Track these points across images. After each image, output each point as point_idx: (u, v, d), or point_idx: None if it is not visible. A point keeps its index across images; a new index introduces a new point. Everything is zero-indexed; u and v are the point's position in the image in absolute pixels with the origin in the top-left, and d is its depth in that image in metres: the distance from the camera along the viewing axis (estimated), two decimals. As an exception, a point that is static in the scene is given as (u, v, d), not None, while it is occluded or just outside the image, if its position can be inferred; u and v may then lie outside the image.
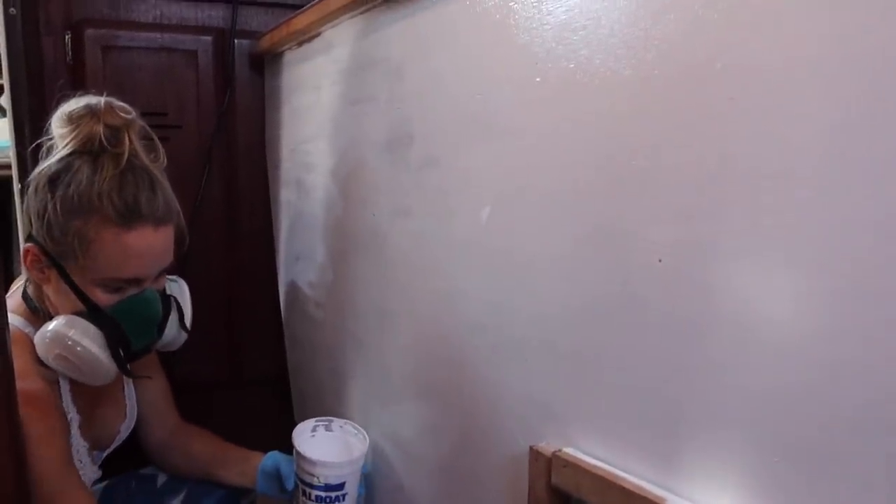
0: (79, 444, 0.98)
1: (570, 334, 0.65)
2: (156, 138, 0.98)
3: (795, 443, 0.47)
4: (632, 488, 0.57)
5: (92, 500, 0.92)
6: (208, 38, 1.40)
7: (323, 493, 1.00)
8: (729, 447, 0.52)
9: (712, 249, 0.51)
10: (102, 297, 0.91)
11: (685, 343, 0.54)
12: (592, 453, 0.63)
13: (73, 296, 0.90)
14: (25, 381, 0.87)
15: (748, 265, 0.49)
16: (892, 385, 0.41)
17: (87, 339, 0.89)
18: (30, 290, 0.98)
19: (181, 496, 1.19)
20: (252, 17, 1.44)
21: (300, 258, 1.35)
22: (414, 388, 0.95)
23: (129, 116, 0.93)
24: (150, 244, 0.91)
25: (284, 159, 1.39)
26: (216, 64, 1.41)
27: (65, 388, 0.97)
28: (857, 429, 0.43)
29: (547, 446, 0.67)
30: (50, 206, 0.87)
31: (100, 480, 1.11)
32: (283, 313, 1.50)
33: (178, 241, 0.98)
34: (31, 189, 0.91)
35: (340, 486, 1.00)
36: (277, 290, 1.50)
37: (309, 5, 1.10)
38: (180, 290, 1.08)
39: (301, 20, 1.14)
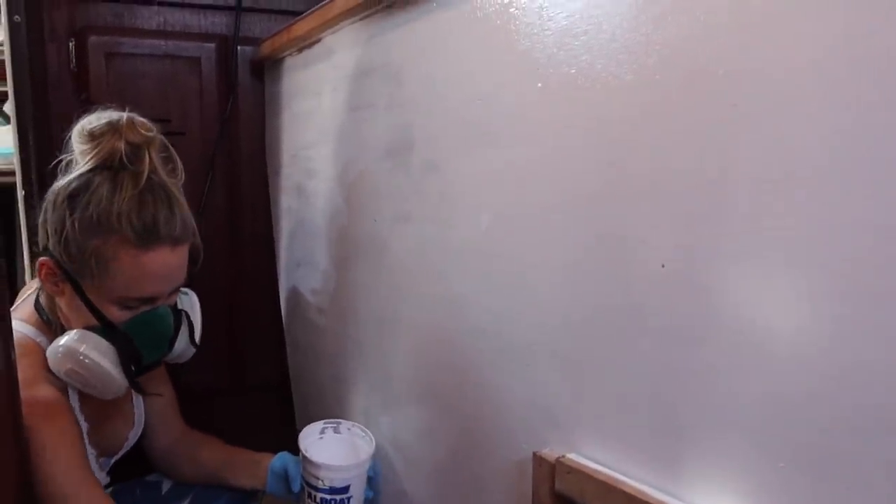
0: (87, 451, 0.98)
1: (573, 339, 0.65)
2: (174, 153, 0.98)
3: (798, 447, 0.47)
4: (635, 493, 0.57)
5: (111, 501, 0.92)
6: (211, 45, 1.41)
7: (328, 496, 1.00)
8: (732, 452, 0.51)
9: (715, 255, 0.51)
10: (116, 314, 0.91)
11: (688, 348, 0.54)
12: (596, 459, 0.63)
13: (86, 310, 0.91)
14: (37, 389, 0.88)
15: (751, 270, 0.49)
16: (896, 390, 0.41)
17: (99, 354, 0.89)
18: (42, 301, 0.98)
19: (186, 502, 1.19)
20: (255, 24, 1.45)
21: (301, 264, 1.35)
22: (416, 394, 0.95)
23: (150, 134, 0.93)
24: (167, 264, 0.91)
25: (285, 165, 1.39)
26: (219, 71, 1.42)
27: (73, 397, 0.97)
28: (860, 433, 0.43)
29: (550, 452, 0.66)
30: (68, 224, 0.88)
31: (105, 487, 1.11)
32: (284, 319, 1.50)
33: (193, 257, 0.98)
34: (48, 203, 0.91)
35: (345, 490, 1.00)
36: (279, 296, 1.50)
37: (309, 11, 1.10)
38: (191, 304, 1.08)
39: (301, 26, 1.15)
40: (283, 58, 1.33)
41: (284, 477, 1.09)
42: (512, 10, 0.69)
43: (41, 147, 1.23)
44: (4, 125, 2.13)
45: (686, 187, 0.53)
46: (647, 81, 0.56)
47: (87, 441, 0.99)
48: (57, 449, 0.86)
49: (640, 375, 0.58)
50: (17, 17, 1.19)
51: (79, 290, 0.90)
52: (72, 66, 1.32)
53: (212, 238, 1.43)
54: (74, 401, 0.98)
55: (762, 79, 0.48)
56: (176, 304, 1.02)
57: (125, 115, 0.93)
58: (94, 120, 0.92)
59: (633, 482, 0.59)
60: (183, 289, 1.05)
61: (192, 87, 1.40)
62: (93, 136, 0.91)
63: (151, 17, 1.38)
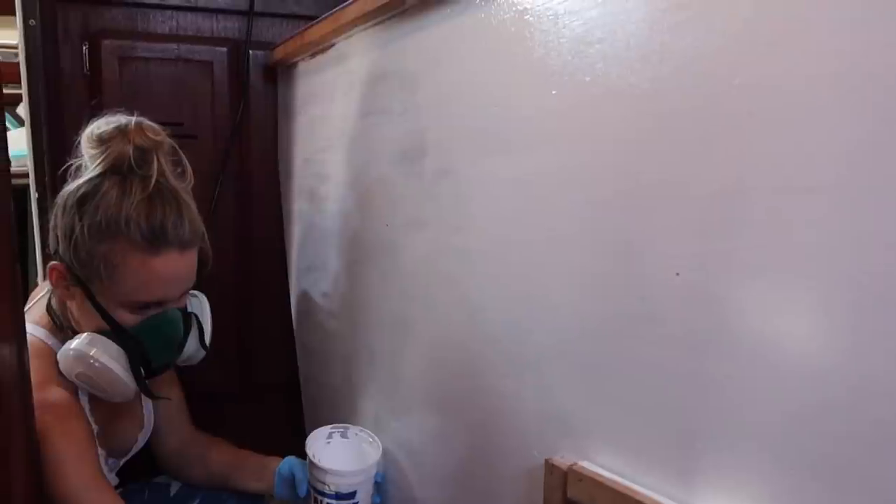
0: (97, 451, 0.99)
1: (587, 347, 0.65)
2: (184, 157, 0.98)
3: (813, 458, 0.46)
4: (648, 502, 0.56)
5: (122, 502, 0.92)
6: (224, 50, 1.41)
7: (334, 501, 1.00)
8: (746, 462, 0.51)
9: (730, 264, 0.51)
10: (126, 318, 0.92)
11: (703, 357, 0.54)
12: (608, 467, 0.63)
13: (96, 314, 0.91)
14: (49, 391, 0.88)
15: (766, 280, 0.49)
16: (915, 402, 0.41)
17: (109, 358, 0.90)
18: (54, 304, 0.98)
19: (194, 504, 1.19)
20: (267, 29, 1.45)
21: (312, 268, 1.35)
22: (428, 400, 0.95)
23: (158, 138, 0.93)
24: (176, 268, 0.92)
25: (297, 169, 1.39)
26: (231, 74, 1.42)
27: (84, 399, 0.98)
28: (875, 445, 0.43)
29: (563, 460, 0.66)
30: (77, 228, 0.88)
31: (114, 488, 1.12)
32: (294, 322, 1.50)
33: (202, 261, 0.99)
34: (58, 208, 0.92)
35: (352, 495, 1.00)
36: (289, 300, 1.50)
37: (323, 17, 1.11)
38: (201, 307, 1.09)
39: (315, 32, 1.15)
40: (296, 62, 1.34)
41: (291, 481, 1.09)
42: (527, 17, 0.69)
43: (55, 150, 1.24)
44: (18, 127, 2.15)
45: (701, 196, 0.53)
46: (662, 90, 0.56)
47: (97, 442, 0.99)
48: (69, 451, 0.87)
49: (653, 384, 0.58)
50: (32, 20, 1.20)
51: (89, 295, 0.91)
52: (85, 69, 1.33)
53: (223, 241, 1.44)
54: (85, 403, 0.98)
55: (779, 88, 0.48)
56: (186, 307, 1.02)
57: (134, 119, 0.93)
58: (103, 124, 0.93)
59: (645, 491, 0.58)
60: (192, 291, 1.06)
61: (204, 90, 1.41)
62: (101, 141, 0.91)
63: (164, 21, 1.39)
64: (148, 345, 0.94)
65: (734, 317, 0.51)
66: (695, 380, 0.54)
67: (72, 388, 0.94)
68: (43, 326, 0.97)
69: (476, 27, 0.78)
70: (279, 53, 1.35)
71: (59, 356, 0.91)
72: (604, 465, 0.64)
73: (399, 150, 0.97)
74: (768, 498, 0.50)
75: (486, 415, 0.81)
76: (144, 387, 0.95)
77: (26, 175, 1.27)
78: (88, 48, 1.33)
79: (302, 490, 1.07)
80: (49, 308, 0.99)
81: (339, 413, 1.26)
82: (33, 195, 1.26)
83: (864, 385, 0.43)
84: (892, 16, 0.41)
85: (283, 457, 1.14)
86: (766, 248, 0.49)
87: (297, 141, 1.39)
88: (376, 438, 1.06)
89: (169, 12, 1.38)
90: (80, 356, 0.89)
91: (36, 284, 1.21)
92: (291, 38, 1.27)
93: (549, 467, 0.67)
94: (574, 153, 0.65)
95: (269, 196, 1.50)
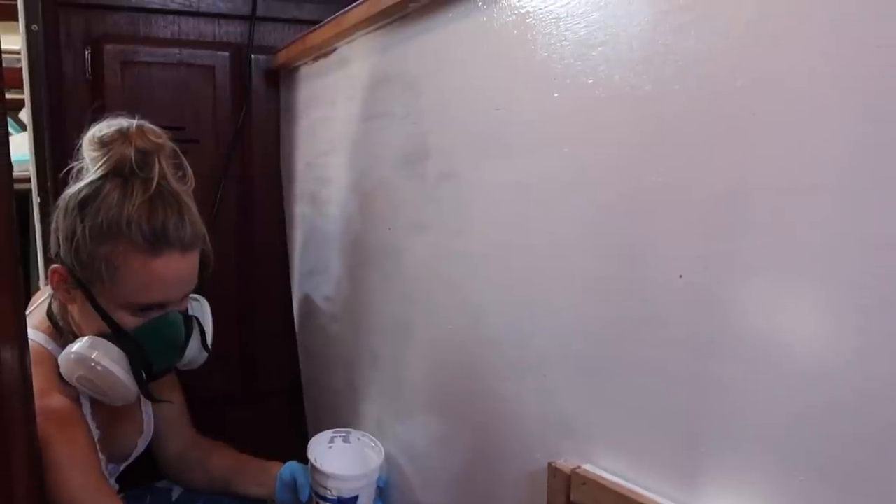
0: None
1: (589, 350, 0.65)
2: (184, 160, 0.98)
3: (819, 461, 0.46)
4: (652, 506, 0.56)
5: None
6: (226, 54, 1.41)
7: None
8: (751, 465, 0.51)
9: (733, 266, 0.51)
10: (127, 321, 0.92)
11: (706, 360, 0.54)
12: (612, 470, 0.63)
13: (97, 318, 0.91)
14: (50, 398, 0.88)
15: (770, 281, 0.49)
16: (921, 404, 0.41)
17: (110, 361, 0.90)
18: (54, 308, 0.98)
19: (195, 509, 1.19)
20: (269, 33, 1.46)
21: (314, 272, 1.35)
22: (430, 403, 0.95)
23: (159, 140, 0.93)
24: (177, 270, 0.92)
25: (299, 173, 1.40)
26: (233, 79, 1.43)
27: (85, 404, 0.98)
28: (883, 447, 0.43)
29: (566, 463, 0.66)
30: (79, 231, 0.88)
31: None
32: (296, 326, 1.50)
33: (204, 264, 0.99)
34: (59, 211, 0.92)
35: (353, 500, 1.00)
36: (291, 304, 1.50)
37: (325, 21, 1.11)
38: (202, 310, 1.09)
39: (317, 36, 1.15)
40: (298, 67, 1.34)
41: (293, 486, 1.09)
42: (529, 20, 0.69)
43: (57, 154, 1.24)
44: (20, 132, 2.16)
45: (705, 198, 0.53)
46: (665, 92, 0.56)
47: (98, 448, 0.99)
48: (72, 458, 0.87)
49: (656, 386, 0.58)
50: (34, 25, 1.21)
51: (90, 297, 0.91)
52: (87, 74, 1.33)
53: (225, 245, 1.44)
54: (87, 408, 0.98)
55: (782, 89, 0.47)
56: (187, 311, 1.02)
57: (135, 122, 0.94)
58: (104, 127, 0.93)
59: (649, 494, 0.58)
60: (194, 295, 1.06)
61: (206, 95, 1.41)
62: (103, 143, 0.91)
63: (167, 25, 1.39)
64: (149, 348, 0.93)
65: (738, 319, 0.51)
66: (698, 382, 0.54)
67: (73, 393, 0.94)
68: (43, 331, 0.97)
69: (478, 31, 0.78)
70: (281, 58, 1.36)
71: (60, 359, 0.91)
72: (607, 469, 0.63)
73: (401, 154, 0.97)
74: (773, 501, 0.49)
75: (488, 418, 0.81)
76: (146, 390, 0.95)
77: (28, 180, 1.27)
78: (91, 53, 1.33)
79: (304, 495, 1.06)
80: (49, 313, 0.99)
81: (342, 417, 1.26)
82: (35, 200, 1.26)
83: (870, 386, 0.43)
84: (893, 16, 0.41)
85: (285, 461, 1.14)
86: (769, 249, 0.48)
87: (299, 145, 1.39)
88: (378, 443, 1.06)
89: (171, 17, 1.39)
90: (82, 359, 0.89)
91: (38, 289, 1.21)
92: (294, 42, 1.27)
93: (553, 471, 0.67)
94: (576, 156, 0.65)
95: (271, 200, 1.50)
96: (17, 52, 1.24)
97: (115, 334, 0.92)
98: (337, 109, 1.18)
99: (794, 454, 0.48)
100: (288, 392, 1.54)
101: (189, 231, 0.92)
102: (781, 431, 0.48)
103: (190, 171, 0.99)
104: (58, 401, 0.90)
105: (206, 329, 1.07)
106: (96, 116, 0.95)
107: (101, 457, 1.00)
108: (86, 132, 0.94)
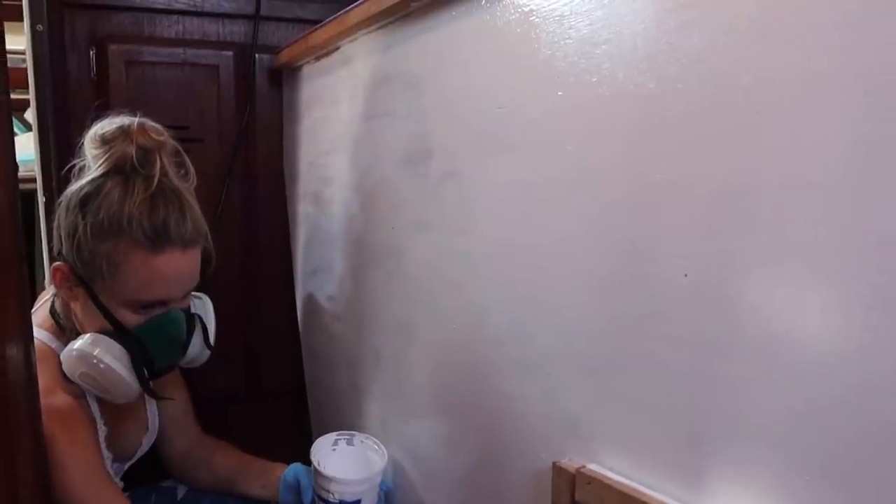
0: (103, 455, 0.99)
1: (593, 349, 0.65)
2: (186, 157, 0.98)
3: (825, 460, 0.46)
4: (657, 505, 0.56)
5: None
6: (229, 53, 1.42)
7: None
8: (756, 464, 0.51)
9: (738, 263, 0.51)
10: (129, 318, 0.92)
11: (711, 358, 0.53)
12: (616, 469, 0.63)
13: (99, 315, 0.91)
14: (52, 396, 0.88)
15: (775, 279, 0.48)
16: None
17: (112, 358, 0.90)
18: (57, 306, 0.99)
19: (200, 508, 1.19)
20: (272, 33, 1.46)
21: (318, 271, 1.35)
22: (434, 403, 0.95)
23: (160, 138, 0.93)
24: (178, 267, 0.92)
25: (302, 173, 1.40)
26: (237, 78, 1.43)
27: (92, 401, 0.98)
28: (887, 445, 0.43)
29: (570, 462, 0.66)
30: (80, 228, 0.88)
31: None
32: (300, 325, 1.50)
33: (205, 261, 0.99)
34: (61, 208, 0.92)
35: (356, 503, 1.00)
36: (295, 303, 1.50)
37: (327, 20, 1.11)
38: (204, 308, 1.09)
39: (319, 35, 1.15)
40: (301, 66, 1.34)
41: (296, 488, 1.09)
42: (532, 18, 0.69)
43: (61, 154, 1.24)
44: (25, 132, 2.16)
45: (708, 195, 0.53)
46: (669, 89, 0.55)
47: (104, 446, 0.99)
48: (76, 457, 0.87)
49: (661, 385, 0.58)
50: (39, 26, 1.21)
51: (92, 295, 0.91)
52: (92, 74, 1.34)
53: (228, 244, 1.44)
54: (93, 405, 0.98)
55: (786, 86, 0.47)
56: (189, 308, 1.02)
57: (136, 119, 0.94)
58: (106, 125, 0.93)
59: (654, 493, 0.58)
60: (196, 293, 1.06)
61: (210, 94, 1.41)
62: (104, 141, 0.91)
63: (171, 25, 1.39)
64: (151, 345, 0.93)
65: (742, 316, 0.51)
66: (703, 380, 0.54)
67: (77, 391, 0.94)
68: (46, 329, 0.97)
69: (481, 29, 0.78)
70: (284, 57, 1.36)
71: (62, 356, 0.91)
72: (612, 468, 0.63)
73: (403, 153, 0.97)
74: (778, 499, 0.49)
75: (492, 418, 0.81)
76: (148, 387, 0.95)
77: (33, 180, 1.28)
78: (95, 53, 1.33)
79: (307, 498, 1.06)
80: (53, 311, 0.99)
81: (345, 417, 1.26)
82: (40, 199, 1.26)
83: (875, 384, 0.43)
84: (899, 13, 0.41)
85: (289, 461, 1.14)
86: (774, 246, 0.48)
87: (303, 144, 1.39)
88: (382, 447, 1.06)
89: (175, 17, 1.39)
90: (83, 356, 0.89)
91: (43, 288, 1.22)
92: (296, 41, 1.27)
93: (557, 470, 0.67)
94: (580, 154, 0.65)
95: (274, 199, 1.51)
96: (22, 53, 1.24)
97: (117, 332, 0.92)
98: (339, 108, 1.18)
99: (798, 453, 0.48)
100: (292, 391, 1.54)
101: (190, 228, 0.92)
102: (786, 430, 0.48)
103: (192, 169, 0.99)
104: (61, 399, 0.90)
105: (208, 327, 1.07)
106: (98, 114, 0.95)
107: (107, 455, 1.00)
108: (88, 130, 0.94)
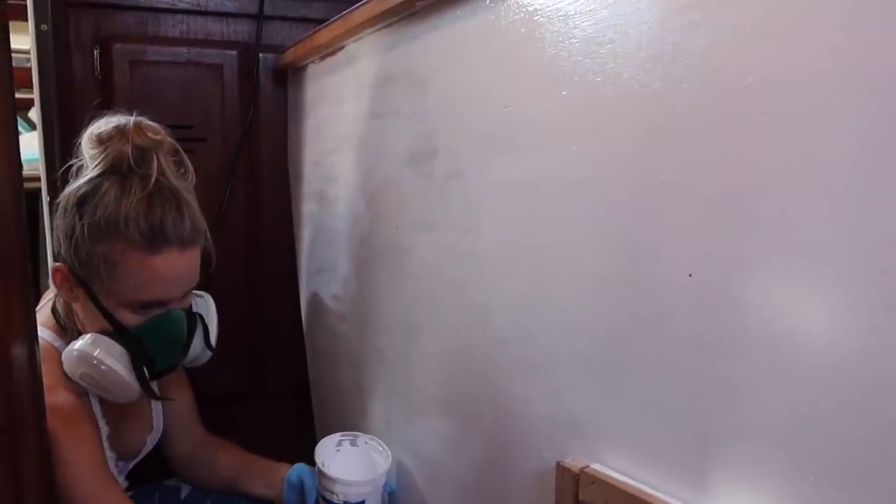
0: (106, 455, 0.99)
1: (598, 349, 0.65)
2: (185, 156, 0.98)
3: (830, 461, 0.46)
4: (661, 506, 0.56)
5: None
6: (233, 53, 1.42)
7: None
8: (761, 465, 0.51)
9: (743, 264, 0.51)
10: (128, 318, 0.92)
11: (715, 359, 0.53)
12: (620, 469, 0.63)
13: (100, 315, 0.91)
14: (55, 395, 0.88)
15: (780, 280, 0.48)
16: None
17: (112, 358, 0.89)
18: (59, 306, 0.99)
19: (204, 507, 1.20)
20: (276, 32, 1.46)
21: (322, 270, 1.35)
22: (438, 403, 0.95)
23: (157, 137, 0.93)
24: (176, 267, 0.91)
25: (307, 172, 1.40)
26: (241, 78, 1.43)
27: (94, 400, 0.98)
28: (893, 447, 0.42)
29: (574, 462, 0.66)
30: (78, 229, 0.88)
31: (124, 491, 1.12)
32: (304, 325, 1.50)
33: (205, 261, 0.98)
34: (59, 209, 0.92)
35: None
36: (299, 302, 1.51)
37: (332, 20, 1.11)
38: (206, 307, 1.08)
39: (324, 34, 1.15)
40: (306, 65, 1.34)
41: (300, 488, 1.09)
42: (537, 18, 0.69)
43: (66, 154, 1.24)
44: (30, 131, 2.17)
45: (714, 196, 0.53)
46: (673, 89, 0.55)
47: (107, 445, 0.99)
48: (79, 455, 0.87)
49: (665, 385, 0.58)
50: (43, 25, 1.21)
51: (91, 295, 0.90)
52: (96, 73, 1.34)
53: (233, 244, 1.45)
54: (96, 404, 0.98)
55: (791, 87, 0.47)
56: (191, 307, 1.02)
57: (133, 118, 0.93)
58: (102, 124, 0.93)
59: (658, 493, 0.58)
60: (198, 292, 1.05)
61: (214, 93, 1.42)
62: (101, 141, 0.91)
63: (175, 24, 1.40)
64: (151, 345, 0.93)
65: (747, 317, 0.51)
66: (708, 380, 0.54)
67: (80, 390, 0.94)
68: (49, 329, 0.97)
69: (486, 28, 0.78)
70: (289, 56, 1.36)
71: (63, 357, 0.91)
72: (615, 468, 0.63)
73: (408, 153, 0.97)
74: (783, 500, 0.49)
75: (495, 417, 0.81)
76: (148, 387, 0.95)
77: (37, 179, 1.28)
78: (100, 52, 1.33)
79: (310, 498, 1.06)
80: (54, 311, 0.99)
81: (349, 416, 1.26)
82: (44, 199, 1.26)
83: (881, 385, 0.43)
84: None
85: (293, 460, 1.14)
86: (779, 247, 0.48)
87: (307, 143, 1.39)
88: (386, 448, 1.05)
89: (179, 16, 1.39)
90: (84, 357, 0.89)
91: (47, 287, 1.22)
92: (301, 40, 1.27)
93: (561, 470, 0.67)
94: (584, 154, 0.65)
95: (278, 198, 1.51)
96: (27, 52, 1.24)
97: (117, 332, 0.91)
98: (344, 108, 1.18)
99: (803, 453, 0.47)
100: (295, 390, 1.54)
101: (188, 227, 0.91)
102: (791, 431, 0.48)
103: (191, 168, 0.98)
104: (64, 398, 0.90)
105: (209, 326, 1.06)
106: (95, 113, 0.95)
107: (111, 454, 1.00)
108: (85, 129, 0.94)
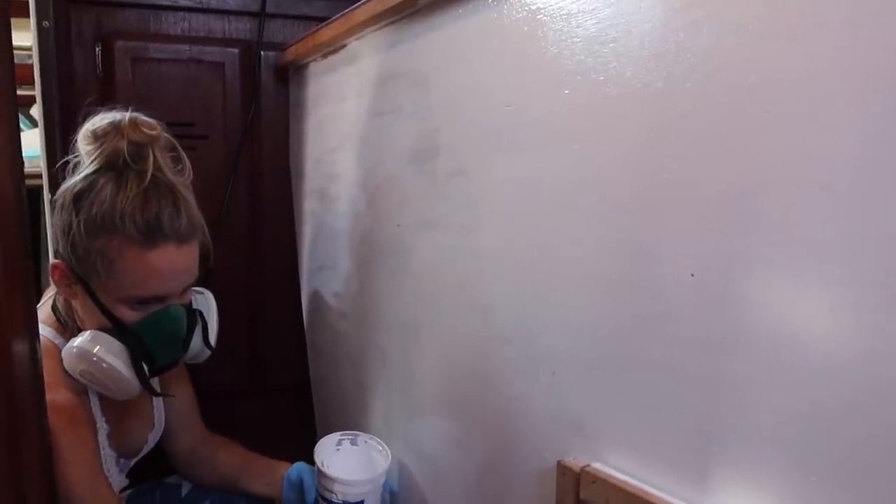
0: (107, 453, 0.99)
1: (600, 348, 0.65)
2: (182, 152, 0.97)
3: (832, 461, 0.46)
4: (662, 505, 0.56)
5: None
6: (235, 51, 1.42)
7: None
8: (762, 465, 0.51)
9: (746, 264, 0.51)
10: (127, 314, 0.91)
11: (717, 358, 0.53)
12: (621, 468, 0.63)
13: (98, 312, 0.91)
14: (55, 392, 0.88)
15: (782, 280, 0.48)
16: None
17: (111, 355, 0.89)
18: (59, 303, 0.99)
19: (205, 505, 1.20)
20: (278, 30, 1.46)
21: (323, 268, 1.35)
22: (439, 402, 0.95)
23: (153, 132, 0.92)
24: (173, 262, 0.90)
25: (308, 170, 1.40)
26: (243, 75, 1.43)
27: (94, 398, 0.98)
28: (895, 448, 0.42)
29: (575, 461, 0.66)
30: (74, 225, 0.88)
31: (125, 489, 1.12)
32: (305, 322, 1.50)
33: (203, 256, 0.97)
34: (56, 206, 0.91)
35: None
36: (300, 300, 1.51)
37: (334, 18, 1.11)
38: (206, 304, 1.07)
39: (326, 32, 1.15)
40: (308, 63, 1.34)
41: (300, 487, 1.09)
42: (540, 16, 0.69)
43: (67, 151, 1.24)
44: (31, 128, 2.17)
45: (716, 195, 0.53)
46: (676, 88, 0.55)
47: (107, 443, 0.99)
48: (76, 454, 0.87)
49: (667, 385, 0.58)
50: (45, 22, 1.21)
51: (89, 292, 0.90)
52: (98, 70, 1.34)
53: (234, 241, 1.45)
54: (95, 402, 0.98)
55: (794, 86, 0.47)
56: (191, 304, 1.01)
57: (128, 114, 0.93)
58: (97, 121, 0.92)
59: (659, 492, 0.58)
60: (199, 289, 1.05)
61: (215, 91, 1.42)
62: (96, 137, 0.91)
63: (176, 22, 1.40)
64: (150, 341, 0.93)
65: (750, 316, 0.51)
66: (709, 380, 0.54)
67: (79, 387, 0.94)
68: (50, 326, 0.97)
69: (488, 27, 0.78)
70: (291, 54, 1.36)
71: (63, 353, 0.91)
72: (617, 467, 0.63)
73: (410, 151, 0.96)
74: (784, 500, 0.49)
75: (496, 416, 0.81)
76: (148, 384, 0.95)
77: (39, 176, 1.28)
78: (101, 49, 1.33)
79: (310, 497, 1.06)
80: (55, 308, 0.99)
81: (350, 415, 1.26)
82: (46, 196, 1.26)
83: (883, 385, 0.43)
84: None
85: (293, 458, 1.14)
86: (782, 246, 0.48)
87: (309, 141, 1.39)
88: (386, 447, 1.05)
89: (181, 14, 1.39)
90: (84, 353, 0.89)
91: (48, 284, 1.22)
92: (303, 38, 1.27)
93: (562, 469, 0.67)
94: (587, 153, 0.65)
95: (280, 196, 1.51)
96: (28, 49, 1.24)
97: (116, 328, 0.91)
98: (346, 106, 1.18)
99: (805, 453, 0.47)
100: (296, 388, 1.54)
101: (185, 222, 0.90)
102: (793, 430, 0.48)
103: (188, 163, 0.97)
104: (63, 396, 0.90)
105: (209, 323, 1.05)
106: (91, 110, 0.95)
107: (112, 453, 1.00)
108: (81, 126, 0.93)
